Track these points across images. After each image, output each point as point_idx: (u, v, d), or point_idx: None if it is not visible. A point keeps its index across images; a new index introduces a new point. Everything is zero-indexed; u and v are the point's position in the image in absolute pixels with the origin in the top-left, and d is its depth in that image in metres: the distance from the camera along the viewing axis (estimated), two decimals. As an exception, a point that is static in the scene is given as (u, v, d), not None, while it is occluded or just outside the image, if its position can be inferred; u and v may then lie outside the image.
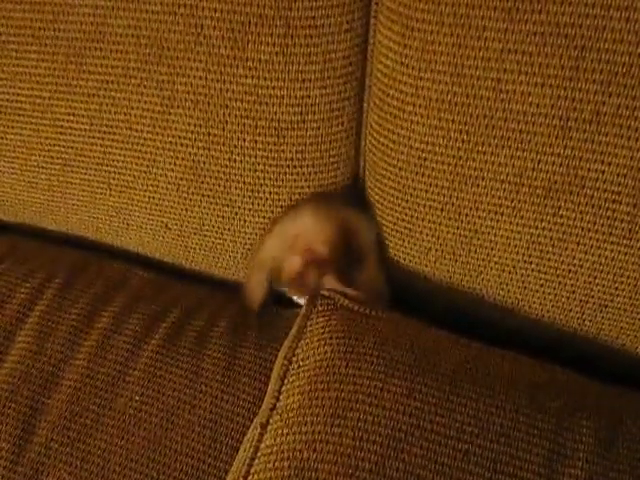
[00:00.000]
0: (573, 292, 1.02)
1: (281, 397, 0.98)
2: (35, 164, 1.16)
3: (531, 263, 1.01)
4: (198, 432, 1.03)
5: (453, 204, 1.00)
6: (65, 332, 1.11)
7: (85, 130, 1.10)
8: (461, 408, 0.94)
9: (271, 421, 0.96)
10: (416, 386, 0.95)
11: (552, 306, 1.04)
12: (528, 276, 1.03)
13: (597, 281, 0.99)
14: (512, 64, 0.89)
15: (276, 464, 0.92)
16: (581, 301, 1.02)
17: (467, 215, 1.00)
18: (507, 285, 1.05)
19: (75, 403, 1.06)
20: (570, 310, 1.04)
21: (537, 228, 0.98)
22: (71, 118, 1.10)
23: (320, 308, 1.04)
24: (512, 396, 0.95)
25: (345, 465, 0.90)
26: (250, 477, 0.94)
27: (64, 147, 1.13)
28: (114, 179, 1.13)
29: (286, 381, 0.99)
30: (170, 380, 1.06)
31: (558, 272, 1.00)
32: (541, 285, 1.03)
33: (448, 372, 0.97)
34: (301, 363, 0.99)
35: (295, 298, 1.14)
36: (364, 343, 0.99)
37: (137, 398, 1.05)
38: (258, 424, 0.97)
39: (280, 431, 0.95)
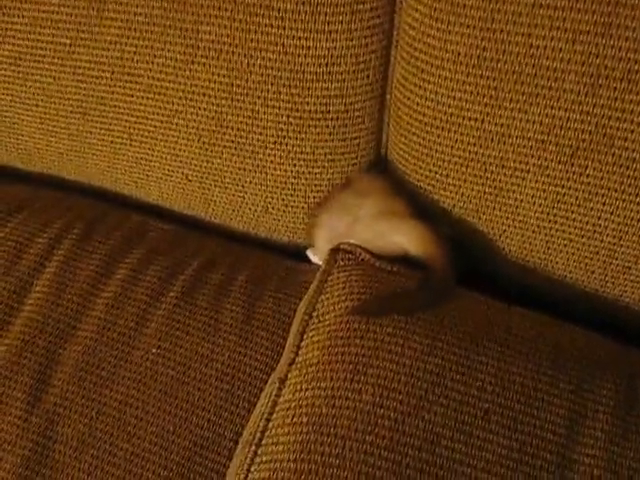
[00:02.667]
0: (597, 253, 1.02)
1: (300, 352, 0.98)
2: (54, 112, 1.16)
3: (556, 222, 1.01)
4: (215, 386, 1.04)
5: (479, 161, 1.00)
6: (82, 283, 1.12)
7: (106, 79, 1.10)
8: (482, 367, 0.94)
9: (290, 376, 0.97)
10: (437, 344, 0.95)
11: (575, 267, 1.05)
12: (552, 236, 1.03)
13: (622, 242, 1.00)
14: (543, 19, 0.89)
15: (295, 419, 0.93)
16: (605, 262, 1.03)
17: (492, 172, 1.00)
18: (530, 244, 1.05)
19: (91, 354, 1.07)
20: (593, 271, 1.04)
21: (563, 187, 0.98)
22: (92, 66, 1.10)
23: (341, 263, 1.04)
24: (533, 356, 0.96)
25: (364, 421, 0.91)
26: (268, 432, 0.94)
27: (84, 95, 1.13)
28: (135, 129, 1.13)
29: (305, 336, 0.99)
30: (187, 333, 1.07)
31: (582, 232, 1.01)
32: (565, 245, 1.03)
33: (469, 330, 0.97)
34: (321, 318, 1.00)
35: (313, 258, 1.15)
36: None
37: (154, 351, 1.06)
38: (276, 379, 0.98)
39: (299, 386, 0.95)
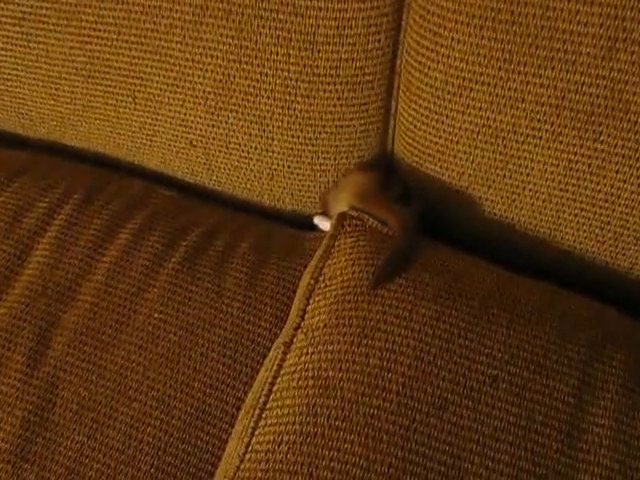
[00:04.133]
0: (608, 223, 1.00)
1: (306, 316, 0.97)
2: (58, 75, 1.14)
3: (567, 191, 1.00)
4: (218, 351, 1.02)
5: (490, 127, 0.98)
6: (83, 247, 1.10)
7: (111, 40, 1.08)
8: (491, 334, 0.93)
9: (295, 340, 0.95)
10: (445, 310, 0.94)
11: (585, 237, 1.03)
12: (563, 205, 1.01)
13: (634, 212, 0.98)
14: (562, -20, 0.89)
15: (300, 382, 0.91)
16: (616, 233, 1.01)
17: (504, 139, 0.98)
18: (540, 214, 1.03)
19: (92, 318, 1.05)
20: (604, 242, 1.03)
21: (576, 154, 0.96)
22: (97, 27, 1.07)
23: (348, 229, 1.02)
24: (543, 325, 0.94)
25: (371, 385, 0.89)
26: (273, 395, 0.93)
27: (89, 57, 1.11)
28: (139, 92, 1.11)
29: (312, 300, 0.98)
30: (190, 299, 1.05)
31: (594, 202, 0.99)
32: (575, 215, 1.01)
33: (478, 297, 0.96)
34: (328, 282, 0.98)
35: (320, 225, 1.14)
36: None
37: (156, 315, 1.04)
38: (281, 343, 0.96)
39: (305, 350, 0.94)
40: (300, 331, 0.96)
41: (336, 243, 1.01)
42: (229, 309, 1.04)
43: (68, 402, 1.00)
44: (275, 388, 0.93)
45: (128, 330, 1.03)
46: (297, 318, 0.97)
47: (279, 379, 0.93)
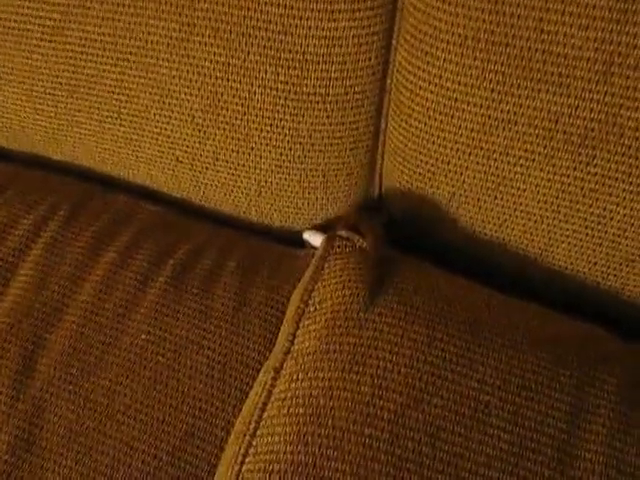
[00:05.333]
0: (600, 244, 0.98)
1: (296, 341, 0.94)
2: (42, 90, 1.11)
3: (559, 213, 0.98)
4: (206, 374, 0.99)
5: (482, 148, 0.96)
6: (69, 266, 1.07)
7: (97, 56, 1.05)
8: (483, 359, 0.91)
9: (285, 365, 0.93)
10: (437, 334, 0.92)
11: (577, 258, 1.01)
12: (555, 226, 0.99)
13: (626, 234, 0.96)
14: (556, 3, 0.85)
15: (291, 410, 0.89)
16: (608, 254, 0.99)
17: (496, 160, 0.96)
18: (532, 235, 1.01)
19: (78, 340, 1.02)
20: (595, 263, 1.01)
21: (569, 177, 0.94)
22: (82, 42, 1.04)
23: (338, 250, 1.00)
24: (534, 348, 0.92)
25: (363, 413, 0.88)
26: (263, 422, 0.91)
27: (73, 73, 1.07)
28: (125, 108, 1.08)
29: (301, 324, 0.95)
30: (178, 319, 1.02)
31: (587, 223, 0.97)
32: (567, 236, 0.99)
33: (469, 321, 0.94)
34: (317, 306, 0.96)
35: (310, 240, 1.11)
36: (384, 287, 0.96)
37: (143, 337, 1.01)
38: (271, 368, 0.94)
39: (295, 376, 0.91)
40: (290, 356, 0.93)
41: (325, 265, 0.99)
42: (217, 330, 1.01)
43: (55, 426, 0.97)
44: (265, 415, 0.91)
45: (115, 352, 1.01)
46: (286, 342, 0.94)
47: (269, 405, 0.91)
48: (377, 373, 0.89)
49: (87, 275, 1.06)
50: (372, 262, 0.97)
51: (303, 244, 1.13)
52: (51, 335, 1.02)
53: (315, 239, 1.10)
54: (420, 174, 1.03)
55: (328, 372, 0.90)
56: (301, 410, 0.89)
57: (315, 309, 0.96)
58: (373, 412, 0.87)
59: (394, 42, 0.99)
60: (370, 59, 0.99)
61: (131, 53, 1.03)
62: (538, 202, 0.98)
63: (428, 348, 0.91)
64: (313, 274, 0.98)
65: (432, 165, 1.01)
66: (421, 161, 1.01)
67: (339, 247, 1.00)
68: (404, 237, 1.09)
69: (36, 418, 0.98)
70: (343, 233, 1.01)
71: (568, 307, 1.02)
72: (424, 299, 0.95)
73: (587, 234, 0.98)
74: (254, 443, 0.90)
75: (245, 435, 0.90)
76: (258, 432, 0.90)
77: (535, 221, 1.00)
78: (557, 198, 0.97)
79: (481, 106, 0.93)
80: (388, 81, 1.02)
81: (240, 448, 0.90)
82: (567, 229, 0.99)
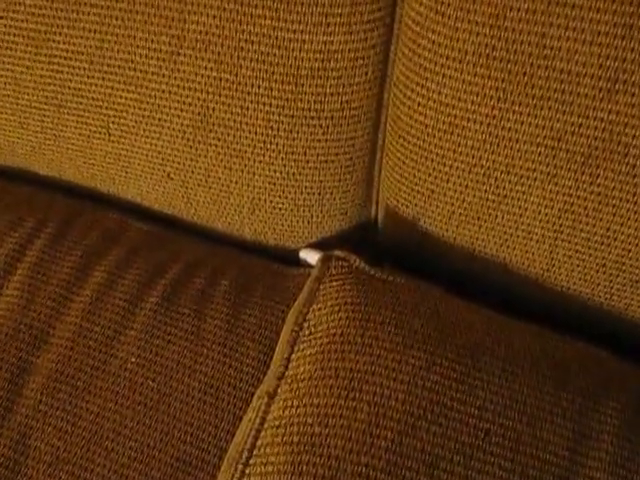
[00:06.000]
0: (603, 265, 0.96)
1: (290, 365, 0.92)
2: (27, 104, 1.08)
3: (562, 232, 0.95)
4: (198, 398, 0.97)
5: (482, 166, 0.94)
6: (56, 287, 1.04)
7: (84, 69, 1.02)
8: (483, 384, 0.89)
9: (279, 391, 0.91)
10: (436, 359, 0.90)
11: (579, 279, 0.99)
12: (557, 246, 0.97)
13: (630, 255, 0.94)
14: (559, 18, 0.82)
15: (285, 438, 0.87)
16: (611, 275, 0.97)
17: (497, 179, 0.94)
18: (533, 254, 0.99)
19: (66, 363, 0.99)
20: (598, 284, 0.99)
21: (571, 196, 0.92)
22: (69, 55, 1.01)
23: (334, 271, 0.98)
24: (535, 373, 0.90)
25: (359, 442, 0.85)
26: (256, 450, 0.88)
27: (59, 87, 1.05)
28: (114, 123, 1.05)
29: (296, 348, 0.93)
30: (169, 342, 1.00)
31: (589, 244, 0.95)
32: (570, 256, 0.97)
33: (469, 345, 0.92)
34: (313, 330, 0.93)
35: (307, 259, 1.09)
36: (381, 311, 0.93)
37: (133, 360, 0.99)
38: (265, 393, 0.91)
39: (289, 402, 0.89)
40: (284, 381, 0.91)
41: (321, 286, 0.96)
42: (210, 353, 0.99)
43: (41, 453, 0.95)
44: (259, 443, 0.88)
45: (104, 376, 0.98)
46: (281, 367, 0.92)
47: (262, 433, 0.89)
48: (374, 400, 0.87)
49: (75, 296, 1.04)
50: (369, 283, 0.96)
51: (299, 262, 1.12)
52: (37, 359, 1.00)
53: (312, 258, 1.08)
54: (418, 192, 1.00)
55: (323, 398, 0.88)
56: (295, 438, 0.86)
57: (310, 332, 0.93)
58: (370, 440, 0.85)
59: (392, 55, 0.97)
60: (367, 73, 0.96)
61: (119, 67, 1.00)
62: (540, 222, 0.95)
63: (427, 373, 0.88)
64: (308, 296, 0.96)
65: (431, 183, 0.98)
66: (419, 179, 0.99)
67: (335, 267, 0.98)
68: (402, 257, 1.08)
69: (21, 445, 0.95)
70: (339, 253, 0.99)
71: (570, 328, 0.99)
72: (422, 322, 0.92)
73: (590, 255, 0.96)
74: (247, 472, 0.87)
75: (238, 463, 0.88)
76: (251, 461, 0.87)
77: (537, 241, 0.98)
78: (559, 218, 0.94)
79: (481, 123, 0.91)
80: (385, 96, 1.00)
81: (233, 477, 0.87)
82: (569, 249, 0.97)
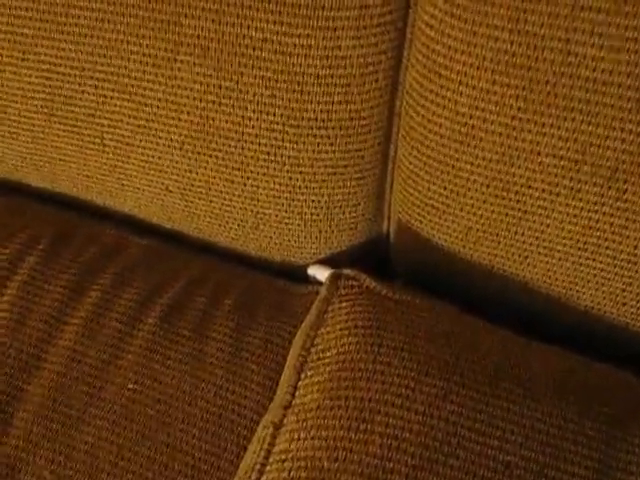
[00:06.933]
0: (630, 284, 0.92)
1: (297, 394, 0.88)
2: (16, 113, 1.04)
3: (586, 250, 0.91)
4: (200, 427, 0.92)
5: (502, 180, 0.89)
6: (49, 307, 1.00)
7: (75, 76, 0.98)
8: (503, 413, 0.84)
9: (286, 421, 0.86)
10: (453, 387, 0.85)
11: (604, 298, 0.94)
12: (580, 264, 0.92)
13: (659, 273, 0.91)
14: (585, 23, 0.78)
15: (292, 473, 0.82)
16: (638, 294, 0.92)
17: (517, 193, 0.89)
18: (555, 273, 0.94)
19: (59, 390, 0.95)
20: (624, 304, 0.94)
21: (597, 212, 0.87)
22: (58, 62, 0.97)
23: (343, 291, 0.93)
24: (559, 400, 0.86)
25: (372, 477, 0.81)
26: (262, 486, 0.85)
27: (49, 94, 1.00)
28: (108, 133, 1.00)
29: (303, 375, 0.88)
30: (168, 366, 0.95)
31: (615, 262, 0.90)
32: (594, 275, 0.93)
33: (488, 370, 0.87)
34: (321, 355, 0.89)
35: (316, 275, 1.05)
36: (394, 334, 0.89)
37: (130, 386, 0.94)
38: (270, 423, 0.87)
39: (296, 434, 0.84)
40: (291, 411, 0.86)
41: (329, 308, 0.92)
42: (212, 378, 0.94)
43: (33, 487, 0.92)
44: (264, 478, 0.84)
45: (99, 403, 0.94)
46: (287, 395, 0.87)
47: (268, 467, 0.84)
48: (386, 432, 0.82)
49: (68, 318, 0.99)
50: (381, 304, 0.91)
51: (307, 278, 1.07)
52: (29, 385, 0.96)
53: (322, 274, 1.04)
54: (433, 206, 0.96)
55: (333, 430, 0.83)
56: (303, 473, 0.82)
57: (318, 358, 0.89)
58: (383, 476, 0.80)
59: (404, 60, 0.92)
60: (377, 80, 0.92)
61: (112, 74, 0.96)
62: (563, 238, 0.91)
63: (443, 402, 0.84)
64: (316, 318, 0.92)
65: (446, 197, 0.94)
66: (434, 192, 0.94)
67: (344, 287, 0.93)
68: (414, 272, 1.03)
69: (10, 479, 0.91)
70: (348, 271, 0.94)
71: (594, 350, 0.95)
72: (438, 347, 0.88)
73: (616, 273, 0.91)
74: (252, 509, 0.84)
75: (243, 500, 0.85)
76: (257, 498, 0.84)
77: (559, 259, 0.93)
78: (583, 235, 0.90)
79: (500, 134, 0.86)
80: (397, 104, 0.95)
81: (237, 514, 0.84)
82: (594, 267, 0.92)
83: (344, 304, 0.92)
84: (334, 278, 0.95)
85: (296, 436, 0.84)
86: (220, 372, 0.95)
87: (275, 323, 0.99)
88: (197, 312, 1.00)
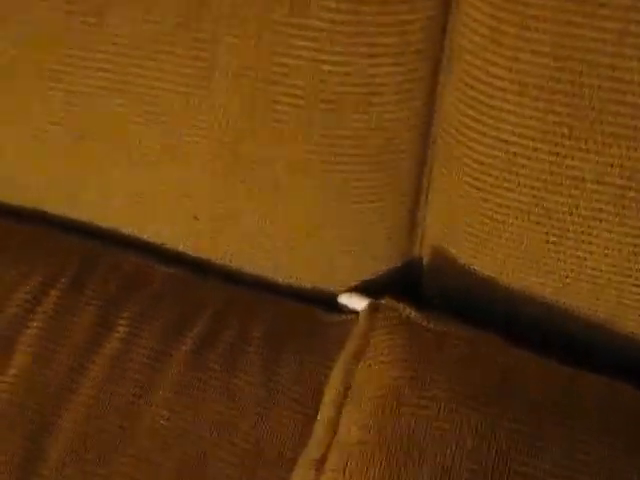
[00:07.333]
0: (675, 308, 0.92)
1: (339, 430, 0.85)
2: (43, 137, 1.01)
3: (630, 276, 0.89)
4: (236, 464, 0.89)
5: (544, 207, 0.87)
6: (76, 341, 0.97)
7: (103, 97, 0.95)
8: (552, 446, 0.82)
9: (329, 459, 0.85)
10: (500, 420, 0.83)
11: (648, 323, 0.94)
12: (624, 290, 0.90)
13: None
14: (632, 49, 0.76)
15: (339, 513, 0.82)
16: (682, 318, 0.93)
17: (559, 220, 0.87)
18: (598, 299, 0.92)
19: (90, 425, 0.92)
20: (669, 328, 0.94)
21: (642, 237, 0.87)
22: (89, 82, 0.95)
23: (382, 322, 0.91)
24: (606, 434, 0.83)
25: (423, 517, 0.80)
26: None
27: (80, 115, 0.98)
28: (135, 157, 0.98)
29: (344, 411, 0.86)
30: (203, 400, 0.93)
31: (661, 286, 0.90)
32: (638, 301, 0.91)
33: (534, 402, 0.85)
34: (362, 390, 0.87)
35: (348, 304, 1.02)
36: (436, 367, 0.87)
37: (162, 422, 0.92)
38: (311, 461, 0.85)
39: (342, 473, 0.82)
40: (333, 448, 0.84)
41: (370, 341, 0.90)
42: (246, 414, 0.92)
43: (66, 525, 0.89)
44: (310, 518, 0.83)
45: (132, 438, 0.91)
46: (328, 432, 0.85)
47: (313, 507, 0.83)
48: (436, 469, 0.80)
49: (97, 349, 0.96)
50: (421, 336, 0.90)
51: (337, 306, 1.05)
52: (60, 418, 0.92)
53: (354, 302, 1.01)
54: (471, 234, 0.94)
55: (380, 467, 0.81)
56: (351, 514, 0.81)
57: (359, 393, 0.87)
58: (434, 515, 0.80)
59: (439, 87, 0.91)
60: (414, 107, 0.90)
61: (142, 97, 0.93)
62: (606, 265, 0.89)
63: (492, 437, 0.82)
64: (355, 352, 0.89)
65: (486, 225, 0.92)
66: (473, 219, 0.92)
67: (383, 319, 0.91)
68: (448, 300, 1.02)
69: (46, 516, 0.90)
70: (387, 301, 0.92)
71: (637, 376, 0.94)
72: (482, 378, 0.86)
73: (661, 299, 0.91)
74: None
75: None
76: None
77: (603, 285, 0.91)
78: (628, 261, 0.88)
79: (544, 161, 0.85)
80: (433, 130, 0.94)
81: None
82: (639, 293, 0.91)
83: (384, 337, 0.90)
84: (372, 309, 0.92)
85: (341, 476, 0.83)
86: (254, 408, 0.92)
87: (307, 355, 0.96)
88: (226, 344, 0.97)
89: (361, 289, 1.04)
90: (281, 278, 1.06)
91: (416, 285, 1.07)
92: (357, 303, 1.01)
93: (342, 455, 0.83)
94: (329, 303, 1.05)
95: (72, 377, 0.95)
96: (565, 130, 0.83)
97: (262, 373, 0.95)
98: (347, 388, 0.87)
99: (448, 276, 1.02)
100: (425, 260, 1.04)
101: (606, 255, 0.89)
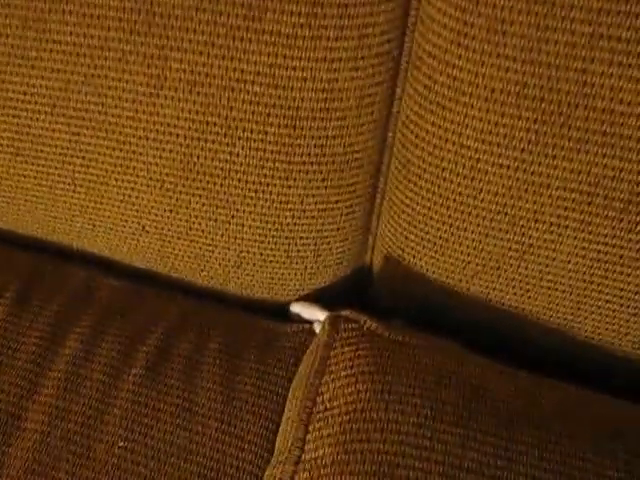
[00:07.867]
0: (635, 315, 0.80)
1: (307, 448, 0.73)
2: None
3: (592, 282, 0.79)
4: (198, 481, 0.79)
5: (507, 214, 0.76)
6: (24, 361, 0.82)
7: (45, 113, 0.81)
8: (522, 457, 0.71)
9: (297, 478, 0.73)
10: (470, 433, 0.72)
11: (607, 329, 0.83)
12: (585, 296, 0.80)
13: (666, 303, 0.80)
14: (602, 52, 0.66)
15: (311, 535, 0.70)
16: (641, 324, 0.83)
17: (523, 227, 0.77)
18: (558, 305, 0.82)
19: (43, 451, 0.77)
20: (627, 334, 0.82)
21: (607, 245, 0.75)
22: (26, 98, 0.80)
23: (344, 334, 0.78)
24: (575, 439, 0.73)
25: (396, 535, 0.69)
26: None
27: (17, 133, 0.83)
28: (80, 173, 0.84)
29: (311, 427, 0.73)
30: (159, 419, 0.79)
31: (622, 293, 0.79)
32: (598, 307, 0.81)
33: (502, 413, 0.74)
34: (328, 405, 0.74)
35: (300, 313, 0.91)
36: (403, 380, 0.75)
37: (120, 444, 0.78)
38: (278, 480, 0.74)
39: (312, 493, 0.72)
40: (302, 467, 0.72)
41: (332, 353, 0.78)
42: (205, 430, 0.79)
43: None
44: (279, 541, 0.71)
45: (88, 464, 0.76)
46: (295, 450, 0.72)
47: (283, 529, 0.72)
48: (409, 485, 0.71)
49: (47, 371, 0.82)
50: (384, 347, 0.79)
51: (288, 315, 0.93)
52: (9, 448, 0.78)
53: (306, 312, 0.90)
54: (429, 240, 0.82)
55: (352, 486, 0.71)
56: (323, 535, 0.70)
57: (325, 408, 0.74)
58: (408, 534, 0.69)
59: (398, 90, 0.79)
60: (373, 113, 0.78)
61: (87, 110, 0.79)
62: (568, 271, 0.79)
63: (462, 451, 0.71)
64: (318, 366, 0.77)
65: (445, 231, 0.80)
66: (431, 227, 0.81)
67: (345, 331, 0.79)
68: (399, 307, 0.91)
69: None
70: (347, 313, 0.80)
71: (594, 378, 0.84)
72: (448, 390, 0.74)
73: (621, 304, 0.80)
74: None
75: None
76: None
77: (563, 291, 0.81)
78: (591, 267, 0.78)
79: (509, 167, 0.74)
80: (389, 135, 0.83)
81: None
82: (599, 299, 0.80)
83: (346, 349, 0.77)
84: (333, 321, 0.80)
85: (312, 496, 0.71)
86: (214, 424, 0.80)
87: (266, 367, 0.84)
88: (182, 358, 0.84)
89: (312, 298, 0.93)
90: (232, 289, 0.93)
91: (367, 292, 0.97)
92: (309, 312, 0.90)
93: (312, 475, 0.72)
94: (280, 313, 0.94)
95: (22, 402, 0.80)
96: (532, 136, 0.72)
97: (221, 387, 0.82)
98: (313, 404, 0.75)
99: (402, 283, 0.90)
100: (376, 266, 0.93)
101: (569, 262, 0.78)
